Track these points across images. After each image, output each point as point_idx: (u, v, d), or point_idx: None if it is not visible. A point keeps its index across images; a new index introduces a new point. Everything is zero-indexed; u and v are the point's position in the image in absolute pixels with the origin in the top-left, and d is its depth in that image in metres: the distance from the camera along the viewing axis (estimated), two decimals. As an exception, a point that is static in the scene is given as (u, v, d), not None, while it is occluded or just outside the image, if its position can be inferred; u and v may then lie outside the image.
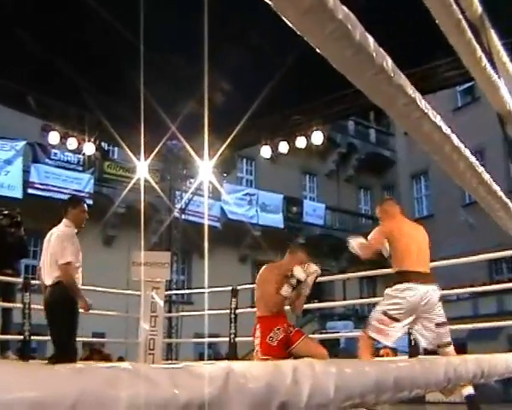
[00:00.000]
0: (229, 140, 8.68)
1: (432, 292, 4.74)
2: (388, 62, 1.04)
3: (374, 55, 0.99)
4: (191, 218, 14.11)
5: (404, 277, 4.84)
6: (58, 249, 5.59)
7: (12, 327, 8.39)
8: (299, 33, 0.93)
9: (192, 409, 0.67)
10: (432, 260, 5.17)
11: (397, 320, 4.73)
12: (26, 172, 16.12)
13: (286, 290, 5.10)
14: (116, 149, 17.09)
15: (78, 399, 0.61)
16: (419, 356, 6.34)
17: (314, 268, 5.27)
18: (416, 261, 4.87)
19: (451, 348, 4.77)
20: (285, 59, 7.17)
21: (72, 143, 9.87)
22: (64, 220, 5.79)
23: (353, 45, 0.96)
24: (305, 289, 5.33)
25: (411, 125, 1.36)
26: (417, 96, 1.22)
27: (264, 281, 5.37)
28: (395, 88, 1.10)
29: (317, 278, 5.35)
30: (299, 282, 5.15)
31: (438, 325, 4.75)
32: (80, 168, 17.21)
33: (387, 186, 29.22)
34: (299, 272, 5.13)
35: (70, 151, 12.74)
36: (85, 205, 6.00)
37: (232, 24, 6.79)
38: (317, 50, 0.96)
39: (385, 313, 4.77)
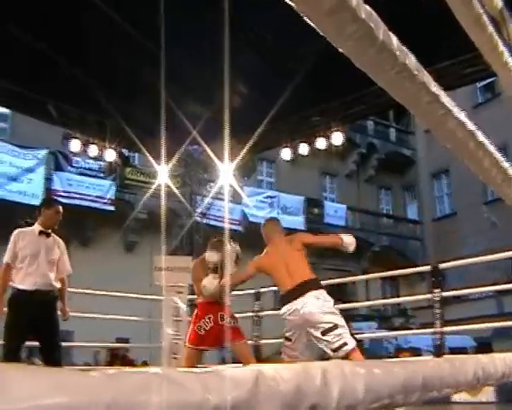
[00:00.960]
0: (249, 143, 8.67)
1: (307, 301, 4.66)
2: (411, 60, 1.03)
3: (397, 53, 0.98)
4: (212, 222, 14.13)
5: (282, 301, 4.88)
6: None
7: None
8: (321, 34, 0.93)
9: (223, 412, 0.67)
10: (454, 259, 5.08)
11: (293, 342, 4.82)
12: (48, 180, 16.31)
13: (207, 280, 5.23)
14: (136, 154, 17.21)
15: (110, 405, 0.61)
16: (445, 356, 6.23)
17: (231, 248, 5.34)
18: (288, 280, 4.85)
19: (348, 349, 4.55)
20: (303, 60, 7.15)
21: (93, 150, 9.94)
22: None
23: (376, 44, 0.95)
24: (228, 268, 5.29)
25: (435, 122, 1.35)
26: (441, 93, 1.21)
27: (194, 269, 5.77)
28: (418, 86, 1.09)
29: (238, 256, 5.44)
30: (215, 266, 5.29)
31: (324, 332, 4.58)
32: (102, 175, 17.35)
33: (408, 185, 29.06)
34: (210, 256, 5.33)
35: (91, 158, 12.82)
36: (60, 207, 5.92)
37: (248, 26, 6.80)
38: (339, 50, 0.95)
39: (285, 338, 4.88)
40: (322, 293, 4.73)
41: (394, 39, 0.98)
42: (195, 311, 5.52)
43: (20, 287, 5.38)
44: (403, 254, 25.33)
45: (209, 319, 5.26)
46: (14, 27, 6.91)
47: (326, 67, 7.11)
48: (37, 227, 5.63)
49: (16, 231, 5.58)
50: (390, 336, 14.81)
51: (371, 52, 0.96)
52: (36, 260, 5.50)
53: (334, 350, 4.51)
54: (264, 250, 5.29)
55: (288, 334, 4.81)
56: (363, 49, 0.97)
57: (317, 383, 0.81)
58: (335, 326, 4.56)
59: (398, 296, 22.08)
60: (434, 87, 1.19)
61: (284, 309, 4.77)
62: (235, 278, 5.22)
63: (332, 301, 4.72)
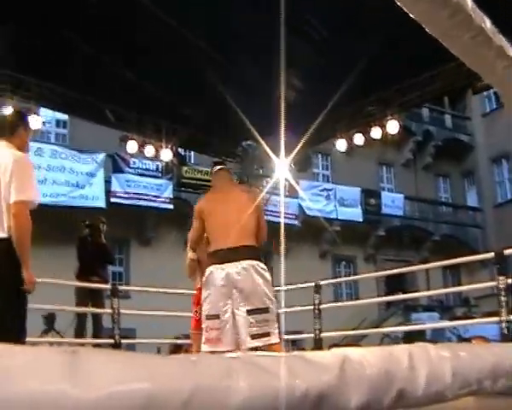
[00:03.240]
0: (305, 137, 8.62)
1: (235, 271, 4.00)
2: (487, 23, 0.97)
3: (472, 15, 0.92)
4: (270, 217, 14.12)
5: (209, 260, 4.21)
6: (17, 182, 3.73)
7: (103, 332, 8.69)
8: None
9: (310, 398, 0.63)
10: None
11: (216, 317, 4.08)
12: (107, 182, 16.63)
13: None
14: (192, 153, 17.35)
15: (194, 390, 0.58)
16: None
17: None
18: (223, 237, 4.16)
19: (268, 341, 3.94)
20: (356, 50, 7.06)
21: (149, 150, 10.06)
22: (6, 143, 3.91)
23: (450, 6, 0.89)
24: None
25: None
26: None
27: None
28: (495, 51, 1.02)
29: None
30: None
31: (249, 311, 3.96)
32: (159, 175, 17.58)
33: (467, 172, 28.40)
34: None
35: (148, 159, 12.99)
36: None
37: (303, 19, 6.74)
38: (411, 15, 0.89)
39: (206, 317, 4.15)
40: (264, 268, 4.08)
41: (469, 1, 0.91)
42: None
43: None
44: (463, 242, 24.78)
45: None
46: (72, 35, 7.05)
47: (380, 55, 7.00)
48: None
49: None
50: (452, 326, 14.52)
51: (444, 15, 0.90)
52: None
53: (253, 337, 3.93)
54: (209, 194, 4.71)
55: (208, 307, 4.13)
56: (436, 12, 0.91)
57: (404, 368, 0.77)
58: (266, 310, 3.99)
59: (460, 286, 21.61)
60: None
61: (208, 271, 4.14)
62: (190, 238, 4.71)
63: (271, 282, 4.13)
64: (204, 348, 4.12)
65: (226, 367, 0.61)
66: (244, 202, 4.34)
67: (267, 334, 3.95)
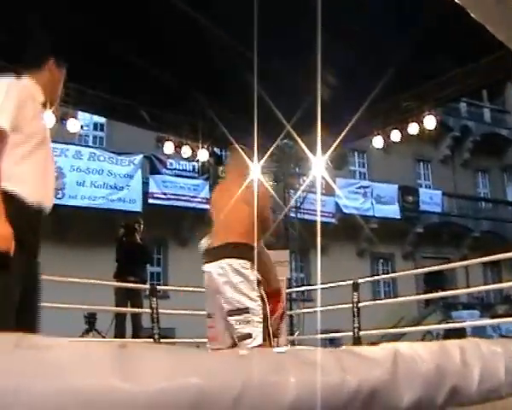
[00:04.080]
0: (342, 134, 8.57)
1: (215, 271, 3.88)
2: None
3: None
4: (306, 216, 14.08)
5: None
6: None
7: (143, 331, 8.77)
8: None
9: (362, 393, 0.62)
10: None
11: (210, 316, 4.07)
12: (144, 183, 16.79)
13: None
14: (228, 153, 17.40)
15: (244, 386, 0.58)
16: None
17: None
18: (213, 235, 4.10)
19: (251, 343, 3.69)
20: (391, 45, 6.99)
21: (186, 151, 10.12)
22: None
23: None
24: None
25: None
26: None
27: None
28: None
29: None
30: None
31: (229, 312, 3.82)
32: (195, 175, 17.68)
33: (506, 167, 27.90)
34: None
35: (184, 159, 13.07)
36: None
37: (337, 16, 6.70)
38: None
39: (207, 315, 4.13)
40: (245, 266, 3.85)
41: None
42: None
43: None
44: (504, 238, 24.34)
45: None
46: (109, 40, 7.14)
47: (416, 50, 6.93)
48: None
49: None
50: (494, 324, 14.28)
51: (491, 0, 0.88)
52: None
53: (238, 339, 3.80)
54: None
55: (207, 308, 4.10)
56: None
57: (457, 363, 0.75)
58: (246, 310, 3.79)
59: (501, 283, 21.27)
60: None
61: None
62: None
63: (254, 281, 3.89)
64: (207, 345, 4.11)
65: (276, 363, 0.60)
66: (235, 193, 4.04)
67: (248, 335, 3.78)
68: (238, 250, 3.89)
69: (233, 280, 3.81)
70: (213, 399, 0.57)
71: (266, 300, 3.97)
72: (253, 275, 3.88)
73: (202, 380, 0.55)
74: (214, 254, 3.94)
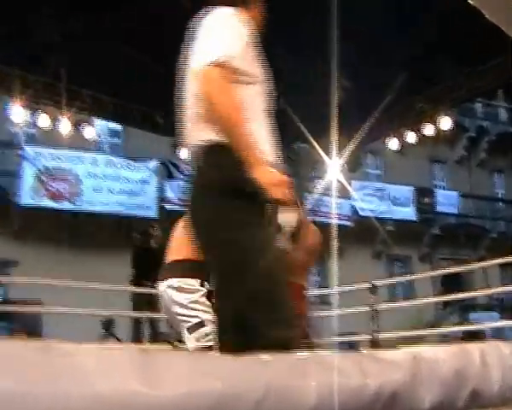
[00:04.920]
0: (357, 137, 8.56)
1: (165, 291, 3.54)
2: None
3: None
4: (322, 219, 14.07)
5: None
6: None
7: (160, 336, 8.80)
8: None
9: (383, 397, 0.63)
10: None
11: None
12: (160, 189, 16.85)
13: None
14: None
15: (266, 390, 0.59)
16: None
17: None
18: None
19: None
20: (405, 47, 6.99)
21: (201, 156, 10.15)
22: None
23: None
24: None
25: None
26: None
27: None
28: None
29: None
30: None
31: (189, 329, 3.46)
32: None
33: (524, 166, 27.67)
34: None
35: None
36: None
37: (350, 16, 6.71)
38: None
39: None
40: (172, 285, 3.50)
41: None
42: None
43: None
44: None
45: None
46: (125, 46, 7.19)
47: (429, 52, 6.92)
48: None
49: None
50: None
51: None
52: None
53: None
54: None
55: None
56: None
57: (477, 366, 0.75)
58: (201, 324, 3.42)
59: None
60: None
61: None
62: None
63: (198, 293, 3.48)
64: None
65: (298, 367, 0.61)
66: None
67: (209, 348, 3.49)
68: (180, 268, 3.55)
69: (170, 306, 3.51)
70: (235, 403, 0.57)
71: None
72: (195, 295, 3.46)
73: (224, 385, 0.56)
74: (167, 272, 3.61)
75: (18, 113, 8.42)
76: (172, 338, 8.05)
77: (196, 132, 2.35)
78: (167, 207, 16.51)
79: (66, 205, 15.85)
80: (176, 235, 3.72)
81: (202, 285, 3.47)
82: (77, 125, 8.93)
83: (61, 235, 15.04)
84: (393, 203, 21.18)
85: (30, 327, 11.13)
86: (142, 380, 0.61)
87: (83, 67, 7.56)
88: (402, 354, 0.70)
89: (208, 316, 3.37)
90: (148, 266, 9.18)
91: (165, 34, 7.19)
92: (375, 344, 8.50)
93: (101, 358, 0.65)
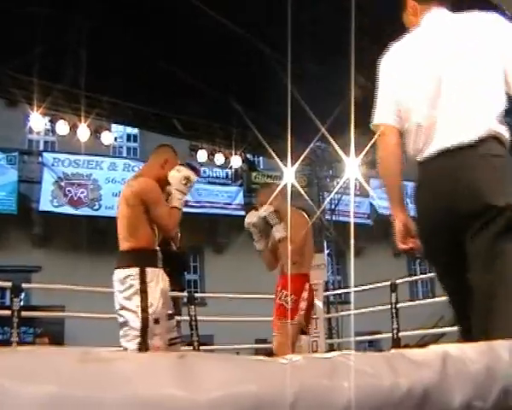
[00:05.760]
0: (375, 136, 8.53)
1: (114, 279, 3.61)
2: None
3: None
4: (342, 218, 14.04)
5: None
6: None
7: (181, 339, 8.82)
8: None
9: (414, 396, 0.64)
10: None
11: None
12: (178, 192, 16.92)
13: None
14: (261, 158, 17.43)
15: (299, 391, 0.60)
16: None
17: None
18: None
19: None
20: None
21: (219, 158, 10.18)
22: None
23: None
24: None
25: None
26: None
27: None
28: None
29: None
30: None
31: (121, 324, 3.56)
32: (229, 182, 17.73)
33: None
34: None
35: (218, 167, 13.14)
36: None
37: (365, 13, 6.69)
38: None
39: None
40: (130, 274, 3.57)
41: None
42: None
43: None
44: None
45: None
46: (142, 51, 7.23)
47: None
48: None
49: None
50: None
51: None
52: None
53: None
54: None
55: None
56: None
57: (507, 363, 0.75)
58: (124, 324, 3.53)
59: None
60: None
61: None
62: None
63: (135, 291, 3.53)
64: None
65: (330, 368, 0.62)
66: (123, 201, 3.74)
67: (125, 349, 3.46)
68: (125, 258, 3.66)
69: (116, 294, 3.63)
70: (270, 406, 0.58)
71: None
72: (139, 284, 3.56)
73: (259, 387, 0.57)
74: (117, 262, 3.71)
75: (37, 120, 8.50)
76: (195, 341, 8.11)
77: None
78: (186, 210, 16.55)
79: (85, 210, 15.96)
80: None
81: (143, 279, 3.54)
82: (95, 130, 9.00)
83: (81, 240, 15.13)
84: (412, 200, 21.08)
85: (53, 332, 11.24)
86: (180, 384, 0.62)
87: (100, 74, 7.62)
88: (430, 352, 0.70)
89: (133, 317, 3.46)
90: (169, 270, 9.23)
91: (180, 37, 7.24)
92: (396, 343, 8.47)
93: (138, 363, 0.66)
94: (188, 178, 3.80)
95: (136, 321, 3.45)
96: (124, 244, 3.67)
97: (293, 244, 4.43)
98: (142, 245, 3.69)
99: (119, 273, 3.60)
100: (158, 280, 3.72)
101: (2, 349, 0.65)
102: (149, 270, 3.66)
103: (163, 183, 3.76)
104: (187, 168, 3.92)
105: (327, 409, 0.60)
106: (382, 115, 2.60)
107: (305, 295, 4.60)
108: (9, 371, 0.55)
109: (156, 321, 3.51)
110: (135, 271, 3.57)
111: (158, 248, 3.89)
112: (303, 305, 4.57)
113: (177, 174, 3.77)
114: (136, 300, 3.50)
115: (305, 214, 4.89)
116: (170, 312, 3.89)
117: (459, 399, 0.66)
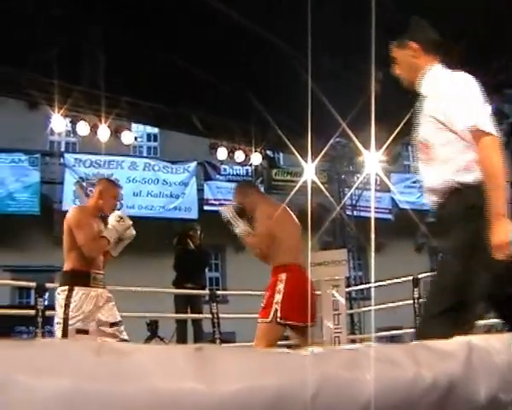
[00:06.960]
0: (396, 130, 8.47)
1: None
2: None
3: None
4: (363, 213, 13.96)
5: None
6: None
7: (203, 336, 8.86)
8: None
9: (439, 387, 0.62)
10: None
11: None
12: (199, 190, 16.94)
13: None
14: (281, 155, 17.39)
15: (321, 384, 0.59)
16: None
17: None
18: None
19: None
20: (441, 34, 6.87)
21: (239, 155, 10.16)
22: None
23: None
24: None
25: None
26: None
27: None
28: None
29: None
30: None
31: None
32: (249, 179, 17.73)
33: None
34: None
35: (238, 164, 13.13)
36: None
37: (384, 10, 6.65)
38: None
39: None
40: (62, 290, 4.23)
41: None
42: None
43: None
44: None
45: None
46: (161, 50, 7.25)
47: (466, 38, 6.80)
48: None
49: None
50: None
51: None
52: None
53: None
54: None
55: None
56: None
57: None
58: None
59: None
60: None
61: None
62: None
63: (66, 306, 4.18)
64: None
65: (352, 360, 0.61)
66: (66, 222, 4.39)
67: None
68: (64, 278, 4.32)
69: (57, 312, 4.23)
70: (291, 398, 0.57)
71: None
72: (69, 301, 4.17)
73: (279, 380, 0.56)
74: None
75: (58, 122, 8.56)
76: (217, 338, 8.12)
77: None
78: (206, 208, 16.58)
79: (106, 210, 16.05)
80: None
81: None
82: (115, 130, 9.04)
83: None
84: (434, 195, 20.90)
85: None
86: (199, 377, 0.61)
87: (120, 74, 7.65)
88: (455, 343, 0.69)
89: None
90: (190, 268, 9.25)
91: (200, 36, 7.24)
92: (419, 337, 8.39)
93: (157, 356, 0.66)
94: (121, 218, 4.51)
95: (58, 332, 4.11)
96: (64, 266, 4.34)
97: (255, 237, 4.55)
98: (75, 267, 4.27)
99: (62, 290, 4.22)
100: (86, 298, 4.25)
101: (18, 343, 0.65)
102: (77, 289, 4.22)
103: (98, 212, 4.51)
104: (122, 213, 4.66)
105: (349, 401, 0.59)
106: (491, 126, 2.84)
107: (280, 287, 4.35)
108: (25, 364, 0.55)
109: (78, 331, 4.11)
110: (65, 288, 4.19)
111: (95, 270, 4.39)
112: (278, 298, 4.30)
113: (115, 213, 4.53)
114: (60, 313, 4.14)
115: (279, 204, 4.80)
116: (112, 321, 4.41)
117: (484, 391, 0.65)
